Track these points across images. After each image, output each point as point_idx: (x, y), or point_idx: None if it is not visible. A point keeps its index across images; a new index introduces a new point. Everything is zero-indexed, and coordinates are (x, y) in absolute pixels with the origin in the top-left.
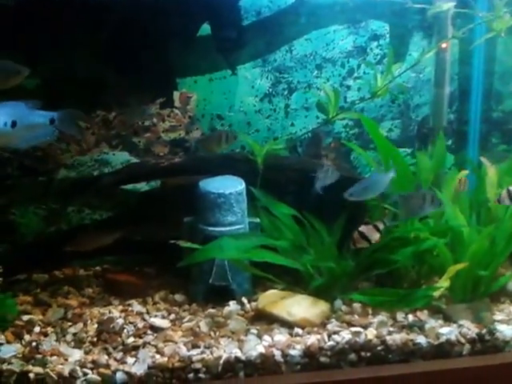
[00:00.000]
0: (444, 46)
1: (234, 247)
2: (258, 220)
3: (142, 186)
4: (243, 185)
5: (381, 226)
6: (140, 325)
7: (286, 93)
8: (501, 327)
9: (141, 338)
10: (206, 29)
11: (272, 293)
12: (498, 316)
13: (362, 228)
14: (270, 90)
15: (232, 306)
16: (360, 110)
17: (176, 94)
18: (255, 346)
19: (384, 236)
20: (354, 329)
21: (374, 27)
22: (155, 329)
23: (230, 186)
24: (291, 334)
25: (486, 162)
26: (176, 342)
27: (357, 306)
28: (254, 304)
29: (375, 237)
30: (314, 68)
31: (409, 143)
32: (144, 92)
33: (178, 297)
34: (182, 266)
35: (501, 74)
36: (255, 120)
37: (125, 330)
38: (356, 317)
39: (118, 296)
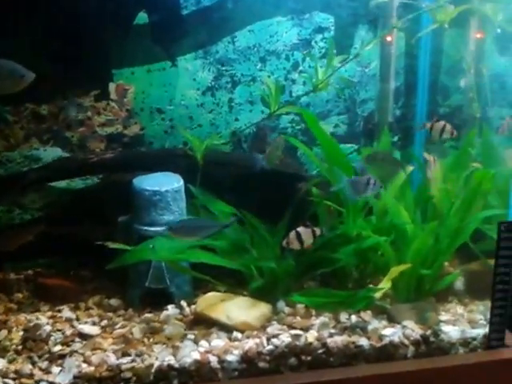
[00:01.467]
0: (389, 38)
1: (168, 248)
2: None
3: (78, 184)
4: (181, 182)
5: (318, 233)
6: (68, 332)
7: (229, 86)
8: (446, 328)
9: (68, 346)
10: (143, 17)
11: (212, 295)
12: (444, 316)
13: (301, 229)
14: (213, 83)
15: (170, 310)
16: (306, 105)
17: (112, 86)
18: (190, 353)
19: (318, 242)
20: (294, 331)
21: (319, 19)
22: (84, 336)
23: (166, 183)
24: (230, 339)
25: (429, 158)
26: (105, 350)
27: (300, 307)
28: (193, 307)
29: (308, 241)
30: (257, 61)
31: (355, 139)
32: (77, 83)
33: (114, 301)
34: (112, 268)
35: (448, 67)
36: (197, 114)
37: (52, 338)
38: (298, 319)
39: (49, 301)
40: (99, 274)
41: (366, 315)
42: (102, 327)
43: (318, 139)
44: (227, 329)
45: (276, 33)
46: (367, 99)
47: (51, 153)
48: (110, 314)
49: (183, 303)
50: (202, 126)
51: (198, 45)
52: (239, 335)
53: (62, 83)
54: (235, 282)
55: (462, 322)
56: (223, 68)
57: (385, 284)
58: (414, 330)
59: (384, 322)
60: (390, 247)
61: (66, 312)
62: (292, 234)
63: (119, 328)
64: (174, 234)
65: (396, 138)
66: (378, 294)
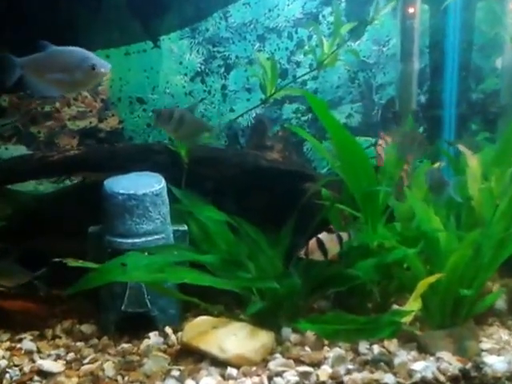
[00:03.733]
0: (411, 10)
1: (143, 265)
2: (185, 228)
3: (47, 187)
4: (162, 183)
5: (345, 237)
6: (27, 368)
7: (222, 71)
8: (489, 359)
9: None
10: None
11: (202, 320)
12: (486, 344)
13: (323, 236)
14: (203, 67)
15: (152, 338)
16: (313, 92)
17: None
18: None
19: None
20: (302, 368)
21: None
22: (44, 374)
23: (144, 184)
24: (223, 376)
25: (465, 151)
26: None
27: (310, 334)
28: (180, 335)
29: (334, 250)
30: (255, 40)
31: (372, 131)
32: None
33: (87, 328)
34: (72, 293)
35: (481, 45)
36: (185, 104)
37: (7, 375)
38: (307, 350)
39: (10, 328)
40: (72, 293)
41: (391, 344)
42: (68, 362)
43: (329, 130)
44: (220, 363)
45: (276, 6)
46: (386, 83)
47: (14, 152)
48: (80, 345)
49: (168, 330)
50: None
51: (185, 21)
52: (234, 372)
53: None
54: (231, 302)
55: (509, 351)
56: (214, 49)
57: (413, 304)
58: (450, 362)
59: (413, 354)
60: (419, 260)
61: (27, 343)
62: (313, 243)
63: (88, 363)
64: None
65: (421, 129)
66: (406, 319)
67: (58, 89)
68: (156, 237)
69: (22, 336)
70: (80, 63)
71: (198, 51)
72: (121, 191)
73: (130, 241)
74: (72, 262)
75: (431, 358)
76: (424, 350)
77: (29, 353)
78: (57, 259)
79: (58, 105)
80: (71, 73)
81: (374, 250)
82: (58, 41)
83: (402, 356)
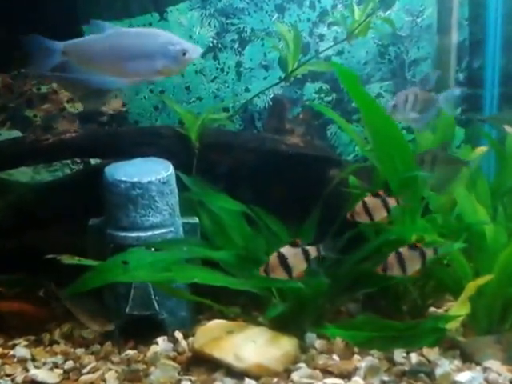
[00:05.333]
0: None
1: (148, 263)
2: (196, 220)
3: (45, 177)
4: (170, 170)
5: (313, 253)
6: (19, 378)
7: (236, 46)
8: None
9: None
10: None
11: (216, 324)
12: None
13: (286, 250)
14: (215, 41)
15: (161, 344)
16: None
17: None
18: None
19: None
20: (330, 380)
21: None
22: None
23: (149, 171)
24: None
25: (508, 129)
26: None
27: (338, 340)
28: (191, 341)
29: (299, 267)
30: (272, 10)
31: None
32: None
33: (88, 332)
34: (68, 295)
35: None
36: (196, 84)
37: None
38: (336, 359)
39: (4, 332)
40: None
41: (431, 353)
42: (65, 371)
43: (361, 108)
44: (236, 374)
45: None
46: (420, 59)
47: (8, 137)
48: (80, 351)
49: (178, 335)
50: (202, 100)
51: None
52: (253, 383)
53: (16, 46)
54: (248, 304)
55: None
56: (228, 21)
57: (461, 308)
58: (500, 372)
59: (457, 363)
60: (463, 256)
61: (20, 349)
62: (274, 258)
63: (88, 372)
64: None
65: (458, 110)
66: (451, 325)
67: (126, 80)
68: (163, 230)
69: (17, 341)
70: (165, 48)
71: (209, 24)
72: (123, 179)
73: (133, 235)
74: (67, 259)
75: (477, 368)
76: (469, 359)
77: (22, 360)
78: (50, 256)
79: (55, 85)
80: (150, 60)
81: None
82: (53, 12)
83: (444, 366)
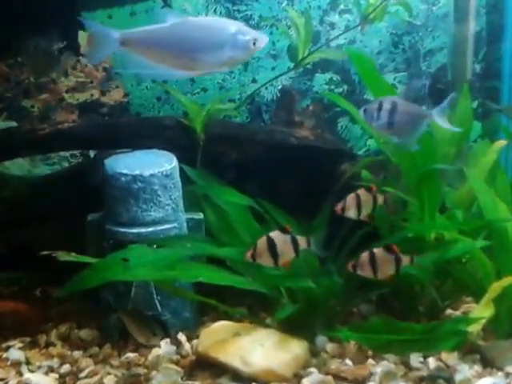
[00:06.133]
0: None
1: (150, 261)
2: (201, 216)
3: (43, 170)
4: (174, 162)
5: (302, 244)
6: (12, 382)
7: None
8: None
9: None
10: None
11: (221, 326)
12: None
13: (275, 235)
14: None
15: (163, 346)
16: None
17: (82, 36)
18: None
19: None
20: None
21: None
22: None
23: (152, 164)
24: None
25: None
26: None
27: (350, 344)
28: (195, 343)
29: (287, 255)
30: None
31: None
32: (34, 32)
33: (87, 333)
34: (63, 294)
35: None
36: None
37: None
38: (348, 363)
39: None
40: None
41: (450, 357)
42: (61, 376)
43: (376, 97)
44: (243, 379)
45: None
46: (435, 49)
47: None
48: (77, 354)
49: (181, 337)
50: (207, 91)
51: None
52: None
53: (12, 32)
54: (255, 304)
55: None
56: (234, 8)
57: (484, 310)
58: None
59: (477, 368)
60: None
61: (14, 352)
62: (262, 242)
63: (86, 377)
64: None
65: (475, 103)
66: (474, 328)
67: (190, 72)
68: (166, 226)
69: (11, 343)
70: (235, 38)
71: (215, 10)
72: (124, 171)
73: (134, 231)
74: (63, 256)
75: (499, 374)
76: (490, 364)
77: (16, 364)
78: (45, 252)
79: (53, 75)
80: (218, 51)
81: (431, 242)
82: None
83: (464, 371)
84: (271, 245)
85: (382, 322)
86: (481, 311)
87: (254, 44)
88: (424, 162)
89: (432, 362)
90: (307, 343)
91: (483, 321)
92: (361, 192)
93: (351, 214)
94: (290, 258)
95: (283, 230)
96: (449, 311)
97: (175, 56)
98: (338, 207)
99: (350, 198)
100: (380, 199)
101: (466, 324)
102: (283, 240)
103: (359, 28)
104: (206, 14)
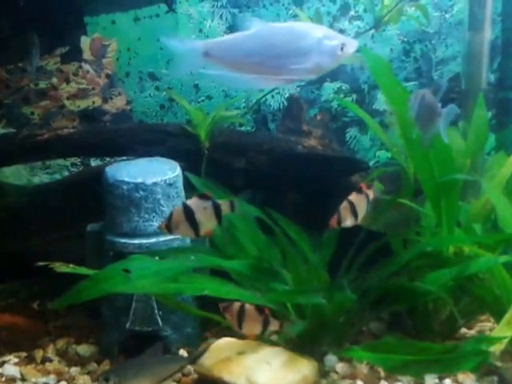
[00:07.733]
0: None
1: (152, 273)
2: None
3: (42, 179)
4: (177, 171)
5: (225, 208)
6: None
7: None
8: None
9: None
10: None
11: (225, 343)
12: None
13: (192, 202)
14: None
15: None
16: (359, 67)
17: (85, 41)
18: None
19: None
20: None
21: None
22: None
23: (154, 172)
24: None
25: None
26: None
27: (361, 363)
28: (198, 360)
29: (208, 223)
30: (289, 3)
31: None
32: (35, 38)
33: (85, 349)
34: (59, 306)
35: None
36: (206, 81)
37: None
38: None
39: None
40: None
41: (467, 379)
42: None
43: (391, 102)
44: None
45: None
46: (448, 58)
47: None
48: (75, 370)
49: (183, 353)
50: (211, 99)
51: None
52: None
53: (14, 38)
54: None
55: None
56: (241, 14)
57: (506, 329)
58: None
59: None
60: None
61: (9, 367)
62: (178, 210)
63: None
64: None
65: (489, 114)
66: (496, 348)
67: (275, 81)
68: (169, 237)
69: (6, 358)
70: (321, 43)
71: (221, 16)
72: (126, 180)
73: (136, 241)
74: (60, 268)
75: None
76: None
77: (11, 380)
78: (42, 263)
79: (54, 81)
80: (305, 57)
81: (450, 257)
82: (60, 3)
83: None
84: (189, 213)
85: (397, 342)
86: (503, 330)
87: (342, 49)
88: (443, 173)
89: (448, 383)
90: (316, 363)
91: (506, 341)
92: (352, 197)
93: (348, 223)
94: (212, 227)
95: (202, 197)
96: (463, 330)
97: (259, 64)
98: (333, 221)
99: (343, 208)
100: (371, 195)
101: (488, 344)
102: (203, 207)
103: (370, 34)
104: (211, 20)
